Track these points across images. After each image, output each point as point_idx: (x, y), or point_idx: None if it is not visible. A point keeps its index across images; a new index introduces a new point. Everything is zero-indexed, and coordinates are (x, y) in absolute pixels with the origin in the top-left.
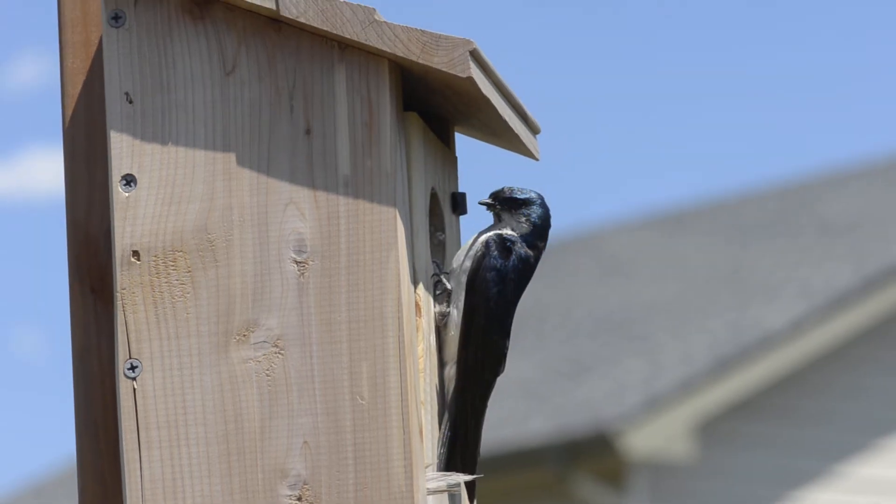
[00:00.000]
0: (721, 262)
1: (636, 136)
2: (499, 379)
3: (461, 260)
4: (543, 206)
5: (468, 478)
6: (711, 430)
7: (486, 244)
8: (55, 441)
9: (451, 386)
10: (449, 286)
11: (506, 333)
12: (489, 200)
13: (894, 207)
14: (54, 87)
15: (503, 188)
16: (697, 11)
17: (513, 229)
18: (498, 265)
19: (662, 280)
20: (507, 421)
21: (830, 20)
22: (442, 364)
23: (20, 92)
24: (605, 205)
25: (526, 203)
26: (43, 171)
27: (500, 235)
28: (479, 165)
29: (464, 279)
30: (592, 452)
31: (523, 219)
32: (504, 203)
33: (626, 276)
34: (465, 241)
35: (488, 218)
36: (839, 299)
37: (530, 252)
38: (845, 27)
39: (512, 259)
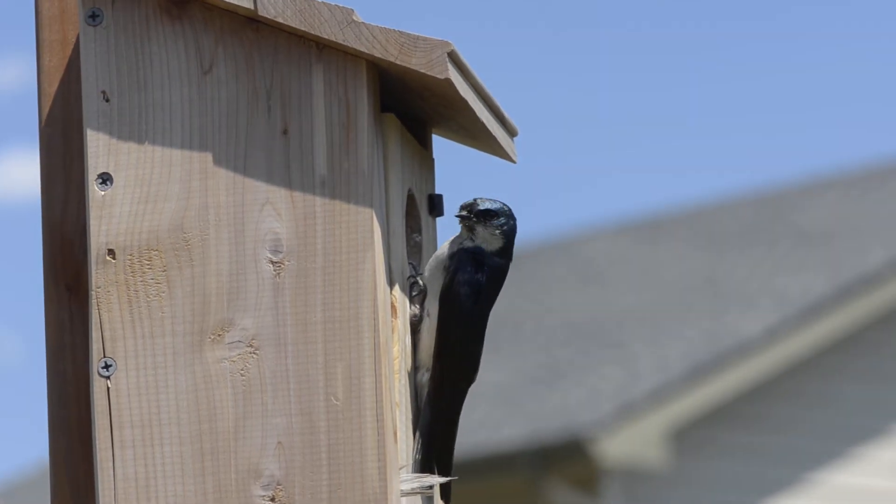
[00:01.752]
0: (696, 269)
1: (613, 143)
2: (473, 385)
3: (433, 266)
4: (512, 216)
5: (442, 480)
6: (686, 437)
7: (459, 258)
8: (30, 444)
9: (423, 392)
10: (422, 285)
11: (480, 339)
12: (464, 213)
13: (869, 216)
14: (35, 90)
15: (474, 200)
16: (676, 19)
17: (483, 240)
18: (471, 279)
19: (638, 287)
20: (481, 426)
21: (806, 31)
22: (416, 368)
23: (1, 94)
24: (581, 211)
25: (497, 214)
26: (23, 174)
27: (471, 248)
28: (456, 167)
29: (437, 288)
30: (566, 459)
31: (496, 231)
32: (479, 216)
33: (601, 282)
34: (441, 245)
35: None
36: (814, 308)
37: (501, 261)
38: (819, 38)
39: (485, 271)
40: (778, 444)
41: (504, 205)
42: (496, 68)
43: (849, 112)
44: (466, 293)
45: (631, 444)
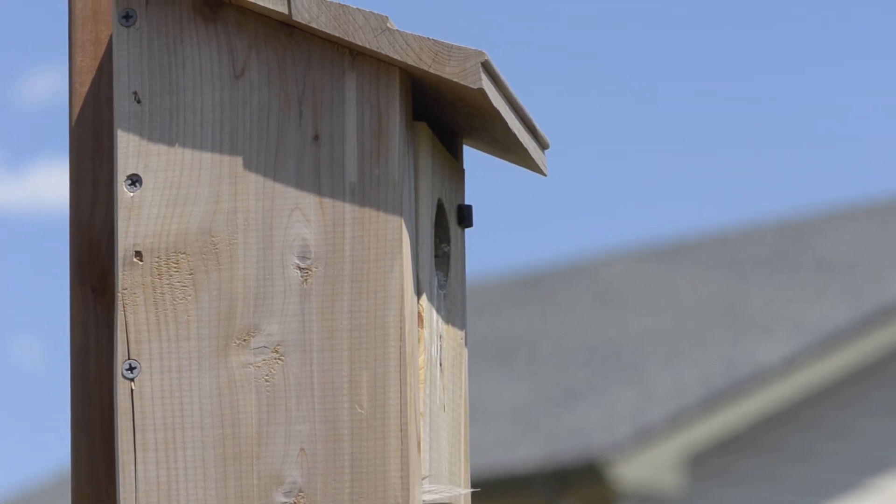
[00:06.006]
0: (716, 295)
1: (636, 167)
2: (490, 404)
3: None
4: None
5: (465, 490)
6: (701, 463)
7: None
8: (45, 452)
9: None
10: None
11: None
12: None
13: (891, 247)
14: (66, 103)
15: None
16: (703, 44)
17: None
18: None
19: (656, 311)
20: (497, 446)
21: (832, 59)
22: None
23: (33, 105)
24: (602, 234)
25: None
26: (53, 185)
27: None
28: (486, 178)
29: None
30: (582, 481)
31: None
32: None
33: (620, 306)
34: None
35: (493, 231)
36: (833, 337)
37: None
38: (844, 69)
39: None
40: (793, 472)
41: None
42: (528, 82)
43: (872, 143)
44: None
45: (646, 468)
